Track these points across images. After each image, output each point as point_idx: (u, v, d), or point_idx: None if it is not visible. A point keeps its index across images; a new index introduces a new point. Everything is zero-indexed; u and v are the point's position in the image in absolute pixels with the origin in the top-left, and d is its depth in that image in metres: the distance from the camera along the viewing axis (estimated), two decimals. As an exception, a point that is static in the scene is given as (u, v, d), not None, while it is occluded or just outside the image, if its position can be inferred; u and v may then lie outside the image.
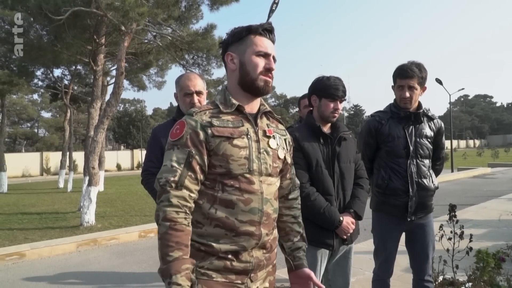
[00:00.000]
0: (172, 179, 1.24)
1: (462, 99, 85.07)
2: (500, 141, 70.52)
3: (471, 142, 72.80)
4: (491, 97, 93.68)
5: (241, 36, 1.36)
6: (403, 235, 2.54)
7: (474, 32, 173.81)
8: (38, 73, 16.22)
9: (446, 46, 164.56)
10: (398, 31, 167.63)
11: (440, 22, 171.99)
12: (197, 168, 1.27)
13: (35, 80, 16.97)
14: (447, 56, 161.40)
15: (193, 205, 1.27)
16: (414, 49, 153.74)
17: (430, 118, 2.53)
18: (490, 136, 79.34)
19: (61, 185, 16.05)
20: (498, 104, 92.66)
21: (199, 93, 2.24)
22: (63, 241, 5.99)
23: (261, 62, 1.34)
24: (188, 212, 1.24)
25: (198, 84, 2.25)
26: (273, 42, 1.41)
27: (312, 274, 1.48)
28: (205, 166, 1.28)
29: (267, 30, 1.37)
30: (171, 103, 62.70)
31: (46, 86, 18.07)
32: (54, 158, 26.09)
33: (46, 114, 47.21)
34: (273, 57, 1.38)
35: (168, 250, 1.17)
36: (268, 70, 1.35)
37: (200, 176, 1.28)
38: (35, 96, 39.79)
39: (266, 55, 1.35)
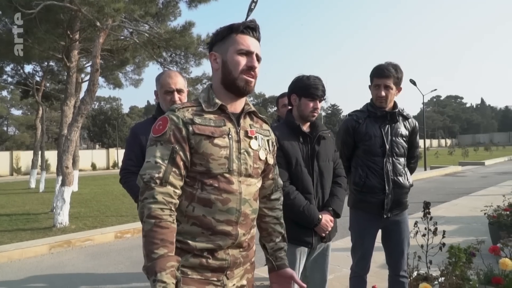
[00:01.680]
0: (156, 175, 1.22)
1: (435, 99, 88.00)
2: (470, 141, 73.42)
3: (443, 141, 75.39)
4: (462, 98, 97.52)
5: (223, 35, 1.35)
6: (379, 232, 2.60)
7: (442, 31, 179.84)
8: (8, 68, 15.60)
9: (415, 45, 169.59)
10: (368, 31, 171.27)
11: (409, 22, 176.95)
12: (181, 164, 1.26)
13: (4, 76, 16.32)
14: (416, 55, 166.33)
15: (177, 201, 1.26)
16: (384, 49, 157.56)
17: (405, 118, 2.60)
18: (461, 136, 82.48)
19: (33, 185, 15.49)
20: (468, 105, 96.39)
21: (179, 91, 2.21)
22: (35, 243, 5.78)
23: (242, 61, 1.33)
24: (173, 208, 1.23)
25: (179, 82, 2.22)
26: (258, 40, 1.39)
27: (294, 274, 1.49)
28: (188, 162, 1.28)
29: (250, 28, 1.35)
30: (148, 101, 61.90)
31: (16, 82, 17.38)
32: (25, 158, 25.14)
33: (16, 112, 45.47)
34: (257, 55, 1.36)
35: (153, 247, 1.16)
36: (250, 68, 1.33)
37: (184, 172, 1.27)
38: (4, 93, 38.15)
39: (248, 53, 1.33)
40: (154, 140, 1.28)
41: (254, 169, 1.37)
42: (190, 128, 1.27)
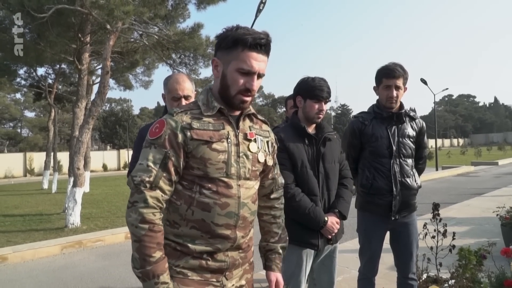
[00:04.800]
0: (147, 179, 1.23)
1: (446, 98, 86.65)
2: (483, 140, 72.16)
3: (455, 141, 74.22)
4: (474, 96, 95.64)
5: (229, 45, 1.28)
6: (388, 233, 2.58)
7: (454, 30, 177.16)
8: (21, 71, 15.88)
9: (427, 45, 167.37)
10: (380, 30, 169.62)
11: (421, 22, 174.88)
12: (172, 169, 1.26)
13: (18, 79, 16.62)
14: (429, 54, 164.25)
15: (164, 205, 1.27)
16: (396, 49, 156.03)
17: (412, 118, 2.57)
18: (473, 135, 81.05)
19: (45, 186, 15.74)
20: (480, 104, 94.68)
21: (187, 97, 2.21)
22: (47, 244, 5.87)
23: (241, 80, 1.28)
24: (161, 212, 1.26)
25: (187, 87, 2.21)
26: (267, 54, 1.31)
27: (273, 282, 1.52)
28: (180, 168, 1.28)
29: (259, 44, 1.26)
30: (158, 103, 62.25)
31: (29, 85, 17.69)
32: (38, 159, 25.57)
33: (29, 114, 46.26)
34: (259, 74, 1.30)
35: (150, 251, 1.19)
36: (247, 90, 1.30)
37: (174, 178, 1.28)
38: (18, 95, 38.89)
39: (249, 73, 1.28)
40: (149, 142, 1.28)
41: (253, 172, 1.38)
42: (188, 134, 1.27)
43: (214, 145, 1.28)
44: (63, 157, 23.22)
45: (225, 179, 1.29)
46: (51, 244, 5.85)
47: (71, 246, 5.95)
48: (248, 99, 1.32)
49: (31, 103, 36.73)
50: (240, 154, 1.33)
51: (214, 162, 1.28)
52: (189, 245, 1.28)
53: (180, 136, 1.26)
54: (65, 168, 22.25)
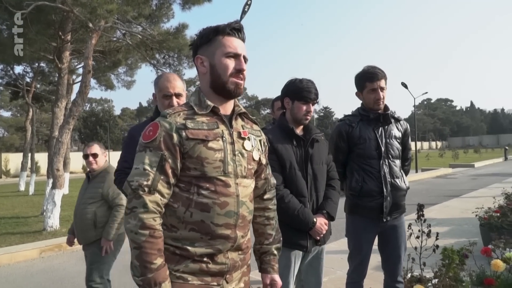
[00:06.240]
0: (145, 183, 1.20)
1: (425, 102, 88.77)
2: (460, 143, 74.45)
3: (433, 143, 76.19)
4: (452, 101, 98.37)
5: (209, 38, 1.34)
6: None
7: (431, 33, 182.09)
8: (-3, 69, 15.40)
9: (403, 47, 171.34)
10: (355, 35, 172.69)
11: (397, 25, 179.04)
12: (170, 172, 1.24)
13: (-6, 77, 16.10)
14: (406, 58, 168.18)
15: (163, 210, 1.24)
16: (372, 51, 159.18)
17: (397, 120, 2.61)
18: (451, 138, 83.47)
19: (22, 188, 15.29)
20: (458, 108, 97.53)
21: (178, 95, 2.16)
22: (25, 247, 5.69)
23: (231, 64, 1.32)
24: (160, 217, 1.23)
25: (178, 86, 2.17)
26: (243, 40, 1.38)
27: (267, 284, 1.51)
28: (177, 170, 1.26)
29: (235, 29, 1.34)
30: (140, 103, 61.42)
31: (5, 83, 17.20)
32: (14, 160, 24.85)
33: (5, 113, 44.65)
34: (244, 57, 1.36)
35: (151, 258, 1.16)
36: (238, 71, 1.33)
37: (172, 180, 1.25)
38: (-7, 94, 37.66)
39: (236, 56, 1.33)
40: (144, 146, 1.26)
41: (248, 170, 1.37)
42: (183, 134, 1.25)
43: (210, 144, 1.27)
44: (41, 158, 22.62)
45: (223, 178, 1.28)
46: (29, 248, 5.67)
47: (50, 250, 5.78)
48: (241, 82, 1.34)
49: (7, 102, 35.46)
50: (236, 152, 1.33)
51: (211, 161, 1.26)
52: (189, 248, 1.24)
53: (175, 137, 1.25)
54: (43, 169, 21.69)
